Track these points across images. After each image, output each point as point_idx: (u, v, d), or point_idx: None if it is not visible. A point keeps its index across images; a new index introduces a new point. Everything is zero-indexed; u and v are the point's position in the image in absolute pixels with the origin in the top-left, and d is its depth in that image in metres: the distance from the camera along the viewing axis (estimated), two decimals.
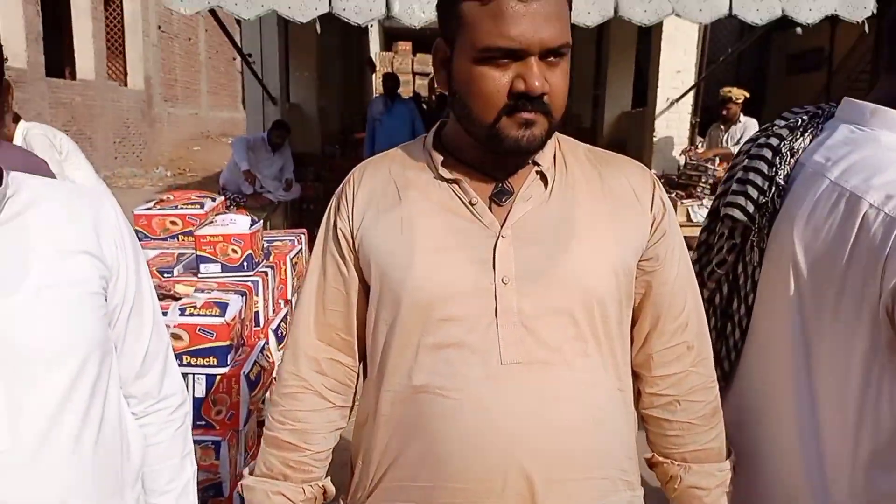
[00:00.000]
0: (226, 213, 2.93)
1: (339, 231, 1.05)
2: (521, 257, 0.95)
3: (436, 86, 1.03)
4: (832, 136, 1.04)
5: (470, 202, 0.98)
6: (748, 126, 5.72)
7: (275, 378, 2.29)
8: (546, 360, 0.94)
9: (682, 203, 4.71)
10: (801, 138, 1.08)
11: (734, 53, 6.18)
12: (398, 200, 1.01)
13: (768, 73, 14.48)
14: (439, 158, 1.01)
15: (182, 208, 2.98)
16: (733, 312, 1.16)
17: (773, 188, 1.07)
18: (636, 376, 1.08)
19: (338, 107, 10.45)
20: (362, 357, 1.10)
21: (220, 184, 6.49)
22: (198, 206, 3.00)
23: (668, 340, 1.05)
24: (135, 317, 1.01)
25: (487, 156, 0.99)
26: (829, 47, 7.31)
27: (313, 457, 1.08)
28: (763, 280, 1.10)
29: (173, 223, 2.95)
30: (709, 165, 5.23)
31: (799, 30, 4.74)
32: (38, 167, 3.21)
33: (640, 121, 7.06)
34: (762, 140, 1.13)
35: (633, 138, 7.05)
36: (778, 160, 1.08)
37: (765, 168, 1.09)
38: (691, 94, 6.47)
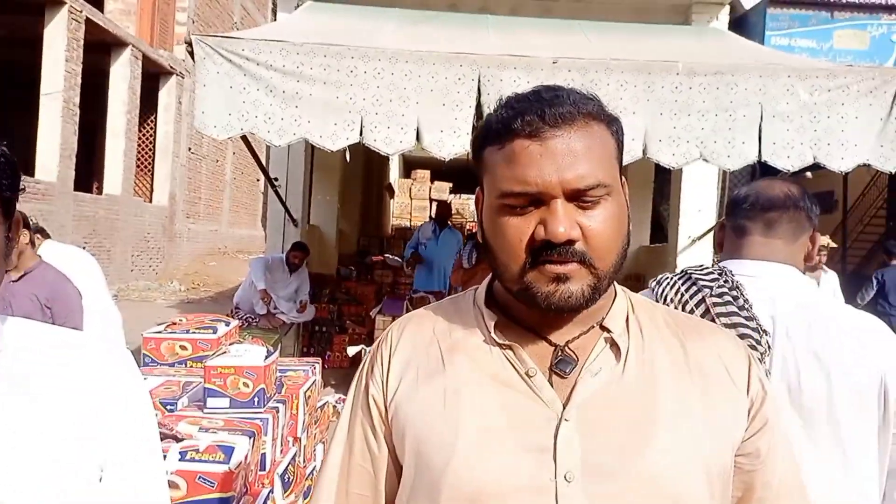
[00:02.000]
0: (240, 341, 2.78)
1: (370, 398, 0.89)
2: (590, 448, 0.78)
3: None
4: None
5: (527, 373, 0.82)
6: (831, 278, 5.71)
7: None
8: None
9: None
10: (737, 290, 1.32)
11: None
12: (441, 367, 0.85)
13: None
14: (492, 319, 0.86)
15: (193, 332, 2.84)
16: None
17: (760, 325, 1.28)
18: None
19: (356, 230, 10.58)
20: None
21: (234, 302, 6.40)
22: (210, 331, 2.86)
23: None
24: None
25: (542, 314, 0.83)
26: (840, 191, 7.39)
27: None
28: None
29: (183, 348, 2.79)
30: None
31: (809, 174, 4.73)
32: (65, 296, 3.12)
33: (661, 256, 7.01)
34: (713, 301, 1.30)
35: (652, 273, 6.99)
36: (748, 307, 1.29)
37: (743, 314, 1.27)
38: (712, 232, 6.46)
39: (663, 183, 8.66)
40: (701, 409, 0.81)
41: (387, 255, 8.59)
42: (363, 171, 10.91)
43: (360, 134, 3.94)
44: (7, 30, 9.54)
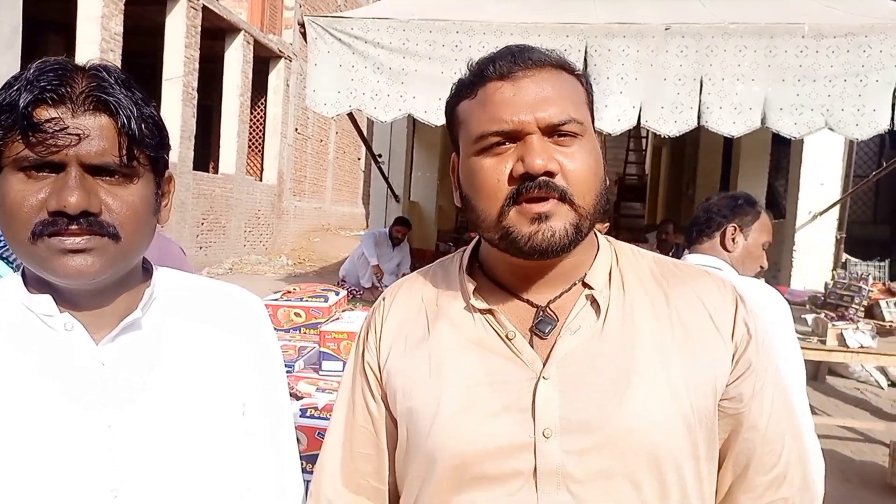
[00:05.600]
0: (351, 309, 2.89)
1: (366, 363, 0.92)
2: (568, 405, 0.79)
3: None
4: None
5: (507, 336, 0.83)
6: None
7: None
8: None
9: (832, 325, 4.24)
10: None
11: (891, 166, 5.72)
12: (427, 334, 0.87)
13: None
14: (471, 285, 0.87)
15: (307, 301, 2.98)
16: None
17: None
18: None
19: (455, 207, 10.67)
20: None
21: (340, 275, 6.65)
22: (322, 300, 2.98)
23: (760, 496, 0.85)
24: (269, 445, 0.94)
25: (520, 274, 0.84)
26: None
27: None
28: None
29: (297, 315, 2.93)
30: (862, 285, 4.73)
31: None
32: (174, 255, 3.36)
33: (776, 233, 6.64)
34: None
35: (767, 251, 6.62)
36: None
37: None
38: (836, 207, 6.02)
39: (780, 157, 8.15)
40: (681, 360, 0.81)
41: None
42: None
43: None
44: (133, 20, 10.23)
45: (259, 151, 15.43)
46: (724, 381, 0.83)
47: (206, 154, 14.24)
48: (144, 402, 0.80)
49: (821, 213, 5.98)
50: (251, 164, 15.11)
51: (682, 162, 11.59)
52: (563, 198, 0.78)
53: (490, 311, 0.85)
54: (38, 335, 0.80)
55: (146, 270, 0.90)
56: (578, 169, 0.79)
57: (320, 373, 2.25)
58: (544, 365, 0.81)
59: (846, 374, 6.10)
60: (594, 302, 0.84)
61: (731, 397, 0.84)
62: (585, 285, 0.85)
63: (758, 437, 0.84)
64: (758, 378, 0.84)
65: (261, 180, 15.28)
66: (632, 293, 0.85)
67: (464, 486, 0.80)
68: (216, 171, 13.81)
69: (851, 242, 6.90)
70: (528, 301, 0.85)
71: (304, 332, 2.85)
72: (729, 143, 7.92)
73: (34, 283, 0.82)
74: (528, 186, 0.77)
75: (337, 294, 3.14)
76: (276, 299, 2.99)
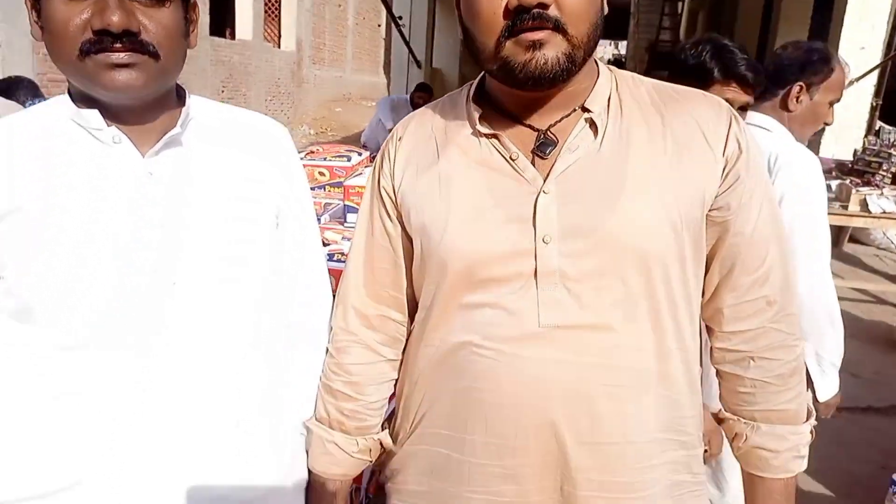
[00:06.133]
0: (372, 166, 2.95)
1: (382, 188, 1.01)
2: (565, 214, 0.86)
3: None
4: None
5: (510, 157, 0.90)
6: None
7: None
8: (587, 323, 0.87)
9: (857, 191, 4.22)
10: None
11: None
12: (437, 158, 0.95)
13: None
14: (477, 113, 0.93)
15: (330, 160, 3.03)
16: None
17: None
18: (707, 329, 1.01)
19: (478, 74, 10.41)
20: (412, 312, 1.04)
21: (361, 141, 6.66)
22: (345, 159, 3.04)
23: (743, 295, 0.94)
24: (299, 245, 1.05)
25: (523, 102, 0.90)
26: None
27: (367, 406, 1.06)
28: None
29: (321, 174, 3.00)
30: (892, 152, 4.64)
31: None
32: None
33: None
34: None
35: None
36: None
37: None
38: (874, 73, 5.77)
39: (822, 21, 7.72)
40: (671, 173, 0.87)
41: None
42: None
43: None
44: None
45: (276, 17, 14.90)
46: (714, 192, 0.90)
47: (221, 21, 13.80)
48: (189, 207, 0.89)
49: (857, 79, 5.74)
50: (269, 31, 14.66)
51: (719, 28, 11.02)
52: (557, 27, 0.81)
53: (495, 136, 0.91)
54: (87, 147, 0.86)
55: (180, 97, 0.95)
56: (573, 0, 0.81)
57: (345, 225, 2.35)
58: (545, 181, 0.88)
59: (867, 241, 6.12)
60: (592, 124, 0.89)
61: (720, 207, 0.91)
62: (585, 109, 0.90)
63: (743, 241, 0.92)
64: (745, 190, 0.91)
65: (279, 47, 14.88)
66: (629, 116, 0.90)
67: (472, 287, 0.90)
68: (233, 38, 13.45)
69: (891, 111, 6.67)
70: (529, 126, 0.91)
71: (329, 191, 2.93)
72: (768, 7, 7.50)
73: (81, 101, 0.87)
74: (523, 18, 0.80)
75: (360, 154, 3.19)
76: (301, 159, 3.06)
